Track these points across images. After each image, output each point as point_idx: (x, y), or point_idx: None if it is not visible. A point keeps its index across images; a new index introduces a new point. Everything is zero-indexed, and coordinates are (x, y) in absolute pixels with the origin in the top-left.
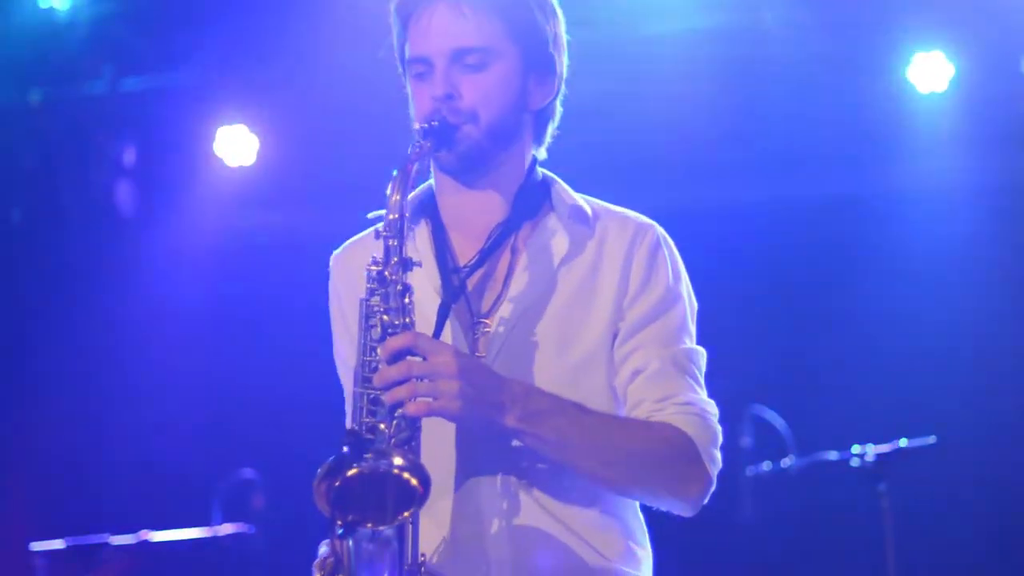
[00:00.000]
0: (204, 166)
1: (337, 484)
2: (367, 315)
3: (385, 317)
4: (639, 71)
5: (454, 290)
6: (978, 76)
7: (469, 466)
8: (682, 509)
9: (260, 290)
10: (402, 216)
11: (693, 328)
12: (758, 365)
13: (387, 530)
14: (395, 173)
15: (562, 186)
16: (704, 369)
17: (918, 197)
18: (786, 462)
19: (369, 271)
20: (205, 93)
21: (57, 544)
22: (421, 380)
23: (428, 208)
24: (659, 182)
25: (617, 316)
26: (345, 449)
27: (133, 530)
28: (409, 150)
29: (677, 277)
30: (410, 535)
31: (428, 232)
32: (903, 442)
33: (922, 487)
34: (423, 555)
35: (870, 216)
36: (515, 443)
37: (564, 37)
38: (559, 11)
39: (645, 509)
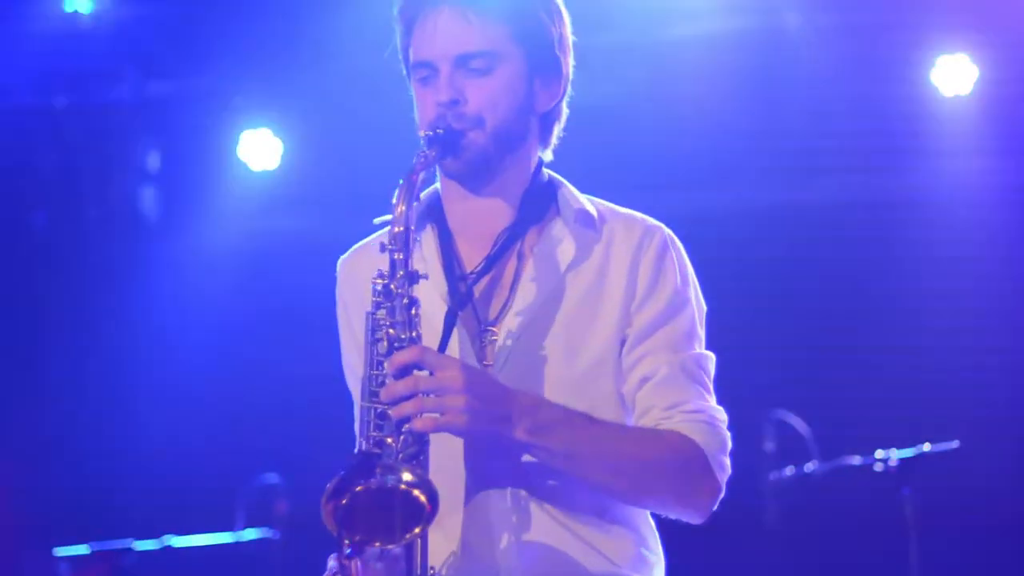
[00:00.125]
0: (228, 170)
1: (345, 502)
2: (373, 329)
3: (392, 331)
4: (662, 75)
5: (461, 297)
6: (1002, 79)
7: (478, 478)
8: (692, 517)
9: (284, 294)
10: (407, 228)
11: (702, 332)
12: (781, 370)
13: (396, 548)
14: (401, 182)
15: (568, 189)
16: (713, 374)
17: (942, 200)
18: (809, 467)
19: (375, 284)
20: (228, 97)
21: (81, 550)
22: (428, 395)
23: (435, 212)
24: (683, 185)
25: (624, 322)
26: (346, 471)
27: (157, 535)
28: (414, 159)
29: (685, 280)
30: (419, 549)
31: (435, 238)
32: (926, 447)
33: (945, 492)
34: (432, 568)
35: (894, 219)
36: (524, 455)
37: (570, 38)
38: (564, 12)
39: (660, 516)
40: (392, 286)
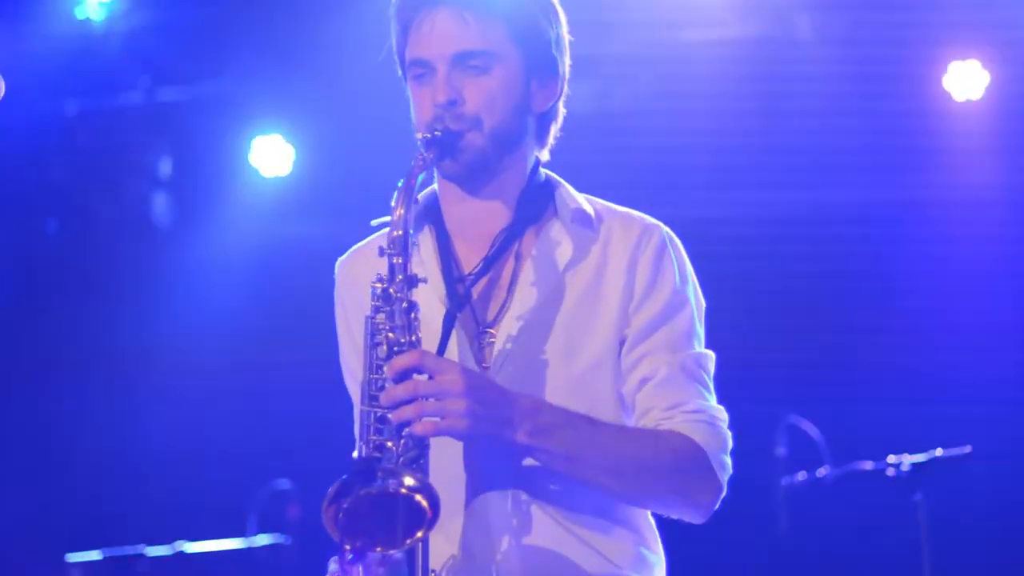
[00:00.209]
0: (239, 176)
1: (346, 507)
2: (373, 333)
3: (391, 335)
4: (674, 80)
5: (459, 299)
6: (1014, 84)
7: (478, 481)
8: (693, 517)
9: (296, 300)
10: (406, 232)
11: (701, 330)
12: (793, 375)
13: (397, 553)
14: (400, 184)
15: (566, 188)
16: (713, 372)
17: (954, 205)
18: (821, 472)
19: (374, 288)
20: (240, 103)
21: (93, 555)
22: (428, 399)
23: (432, 214)
24: (696, 190)
25: (623, 322)
26: (347, 475)
27: (169, 541)
28: (412, 162)
29: (684, 279)
30: (420, 553)
31: (432, 240)
32: (939, 452)
33: (958, 497)
34: (434, 571)
35: (906, 225)
36: (525, 459)
37: (566, 39)
38: (561, 13)
39: (668, 520)
40: (391, 290)
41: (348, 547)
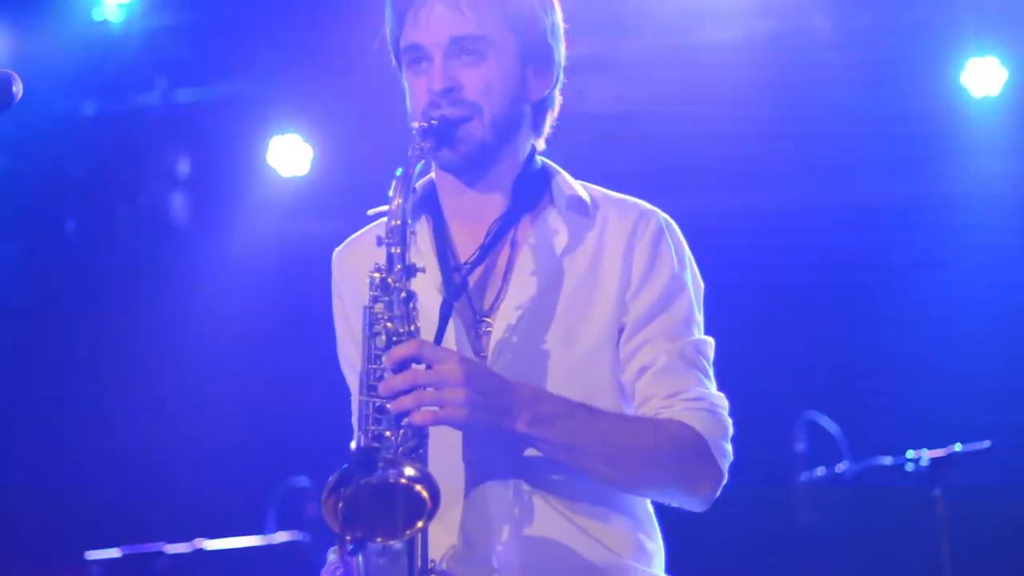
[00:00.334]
0: (257, 176)
1: (346, 498)
2: (371, 322)
3: (389, 324)
4: (692, 78)
5: (456, 288)
6: None
7: (477, 471)
8: (694, 505)
9: (314, 299)
10: (404, 222)
11: (700, 316)
12: (812, 371)
13: (397, 543)
14: (398, 173)
15: (563, 176)
16: (712, 359)
17: (971, 201)
18: (840, 467)
19: (372, 278)
20: (258, 103)
21: (112, 553)
22: (427, 389)
23: (430, 203)
24: (714, 188)
25: (621, 310)
26: (347, 465)
27: (188, 538)
28: (409, 151)
29: (682, 264)
30: (420, 543)
31: (429, 230)
32: (958, 447)
33: (977, 492)
34: (433, 561)
35: (924, 220)
36: (524, 447)
37: (561, 27)
38: (556, 1)
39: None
40: (390, 280)
41: (348, 537)
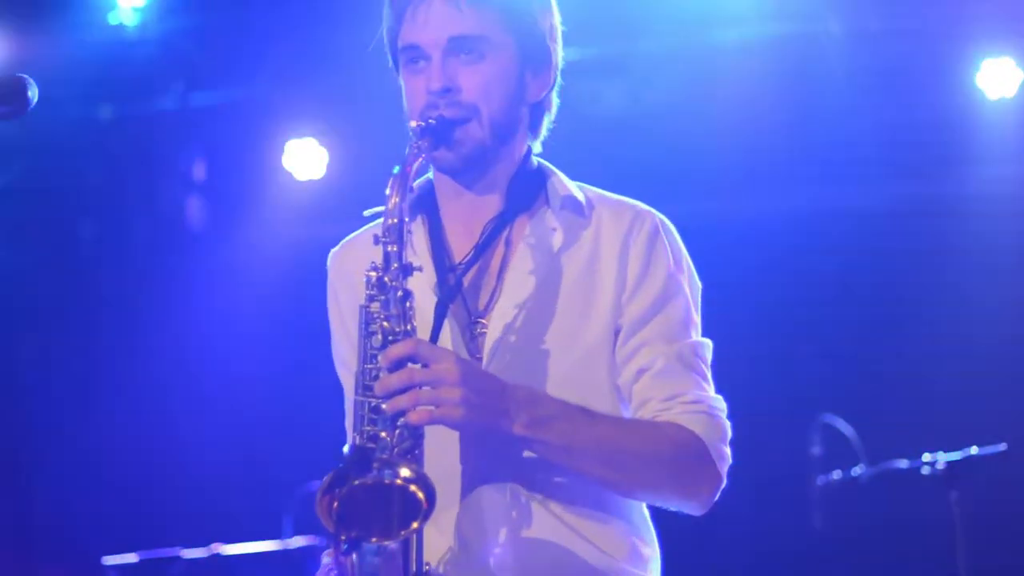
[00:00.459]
0: (273, 180)
1: (341, 497)
2: (367, 322)
3: (386, 324)
4: (704, 80)
5: (450, 289)
6: None
7: (473, 472)
8: (693, 509)
9: None
10: (401, 221)
11: (697, 317)
12: (828, 373)
13: (392, 544)
14: (395, 171)
15: (559, 176)
16: (710, 361)
17: (987, 203)
18: (856, 471)
19: (369, 277)
20: (274, 107)
21: (130, 558)
22: (423, 388)
23: (426, 203)
24: (727, 191)
25: (617, 311)
26: (342, 464)
27: (205, 543)
28: (407, 150)
29: (679, 265)
30: (414, 544)
31: (425, 230)
32: (974, 450)
33: (993, 495)
34: (428, 564)
35: (939, 222)
36: (520, 449)
37: (559, 28)
38: (554, 2)
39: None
40: (386, 279)
41: (343, 537)
